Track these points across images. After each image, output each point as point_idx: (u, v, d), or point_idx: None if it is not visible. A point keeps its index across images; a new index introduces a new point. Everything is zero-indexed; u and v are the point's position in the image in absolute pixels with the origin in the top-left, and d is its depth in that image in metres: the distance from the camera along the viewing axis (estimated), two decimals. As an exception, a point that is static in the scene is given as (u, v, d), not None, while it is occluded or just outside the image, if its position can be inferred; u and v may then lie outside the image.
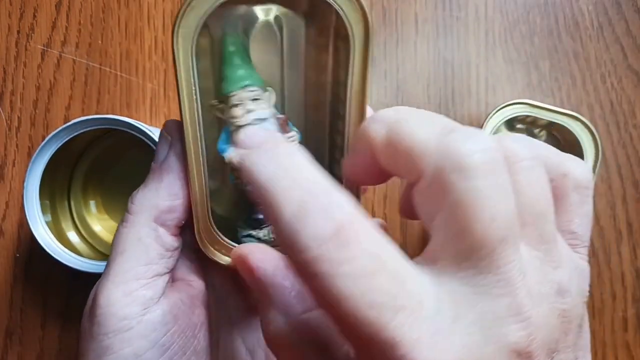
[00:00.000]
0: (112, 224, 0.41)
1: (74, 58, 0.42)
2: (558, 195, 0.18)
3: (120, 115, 0.37)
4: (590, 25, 0.43)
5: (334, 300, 0.14)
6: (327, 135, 0.25)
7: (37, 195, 0.35)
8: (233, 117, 0.23)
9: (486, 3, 0.43)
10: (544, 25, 0.43)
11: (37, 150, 0.34)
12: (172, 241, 0.23)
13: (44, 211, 0.36)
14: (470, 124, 0.43)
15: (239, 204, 0.26)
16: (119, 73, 0.42)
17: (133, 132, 0.35)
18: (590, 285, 0.45)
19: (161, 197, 0.22)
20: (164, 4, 0.43)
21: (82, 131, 0.35)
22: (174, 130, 0.23)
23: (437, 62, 0.43)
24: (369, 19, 0.22)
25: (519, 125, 0.41)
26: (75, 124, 0.34)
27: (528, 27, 0.43)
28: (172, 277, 0.24)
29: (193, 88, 0.21)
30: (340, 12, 0.22)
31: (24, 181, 0.35)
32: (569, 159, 0.19)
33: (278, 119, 0.24)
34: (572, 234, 0.19)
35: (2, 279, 0.41)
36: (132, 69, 0.42)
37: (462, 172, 0.15)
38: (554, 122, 0.38)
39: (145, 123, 0.40)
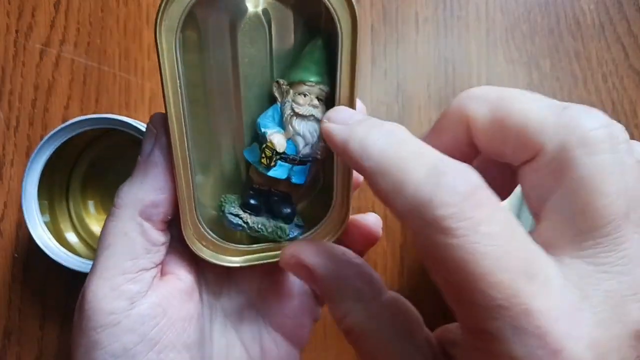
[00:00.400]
0: (111, 225, 0.41)
1: (73, 57, 0.42)
2: None
3: (119, 115, 0.36)
4: (591, 25, 0.43)
5: (468, 260, 0.14)
6: None
7: (36, 195, 0.35)
8: (296, 103, 0.23)
9: (487, 2, 0.43)
10: (545, 25, 0.43)
11: (36, 150, 0.34)
12: (158, 236, 0.23)
13: (42, 211, 0.36)
14: (471, 124, 0.43)
15: (237, 186, 0.26)
16: (117, 72, 0.42)
17: (132, 132, 0.34)
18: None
19: (146, 191, 0.22)
20: (163, 3, 0.43)
21: (80, 131, 0.35)
22: (160, 123, 0.23)
23: (438, 61, 0.43)
24: (356, 10, 0.22)
25: (519, 125, 0.41)
26: (73, 123, 0.34)
27: (529, 26, 0.43)
28: (162, 271, 0.24)
29: (178, 81, 0.21)
30: (328, 4, 0.22)
31: (22, 181, 0.35)
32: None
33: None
34: None
35: (0, 280, 0.41)
36: (131, 68, 0.42)
37: (588, 146, 0.15)
38: (555, 122, 0.38)
39: (144, 122, 0.40)
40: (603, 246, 0.15)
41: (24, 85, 0.42)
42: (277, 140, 0.23)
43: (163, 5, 0.20)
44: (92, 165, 0.40)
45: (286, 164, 0.24)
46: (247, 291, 0.27)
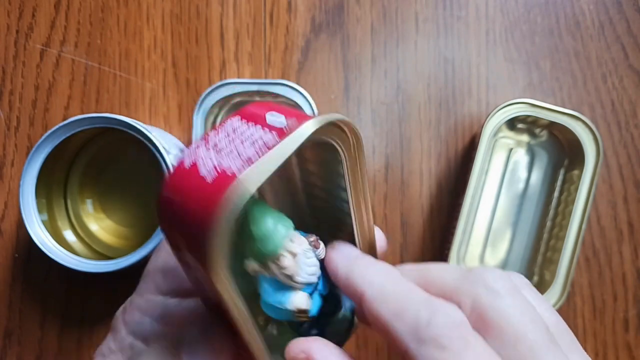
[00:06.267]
0: (109, 223, 0.41)
1: (73, 57, 0.42)
2: None
3: (120, 114, 0.36)
4: (591, 25, 0.43)
5: None
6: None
7: (34, 193, 0.35)
8: (283, 268, 0.21)
9: (487, 2, 0.43)
10: (545, 25, 0.43)
11: (34, 149, 0.34)
12: None
13: (40, 210, 0.36)
14: (471, 124, 0.43)
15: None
16: (118, 72, 0.42)
17: (130, 131, 0.34)
18: (591, 286, 0.45)
19: None
20: (163, 3, 0.43)
21: (79, 130, 0.35)
22: None
23: (438, 61, 0.43)
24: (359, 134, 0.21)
25: (519, 125, 0.41)
26: (72, 122, 0.34)
27: (529, 26, 0.43)
28: None
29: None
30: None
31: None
32: None
33: (311, 242, 0.23)
34: None
35: (0, 280, 0.41)
36: (131, 68, 0.42)
37: (495, 293, 0.19)
38: (555, 122, 0.38)
39: (144, 122, 0.40)
40: None
41: (24, 85, 0.42)
42: (302, 303, 0.22)
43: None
44: (90, 164, 0.41)
45: (316, 298, 0.23)
46: None
